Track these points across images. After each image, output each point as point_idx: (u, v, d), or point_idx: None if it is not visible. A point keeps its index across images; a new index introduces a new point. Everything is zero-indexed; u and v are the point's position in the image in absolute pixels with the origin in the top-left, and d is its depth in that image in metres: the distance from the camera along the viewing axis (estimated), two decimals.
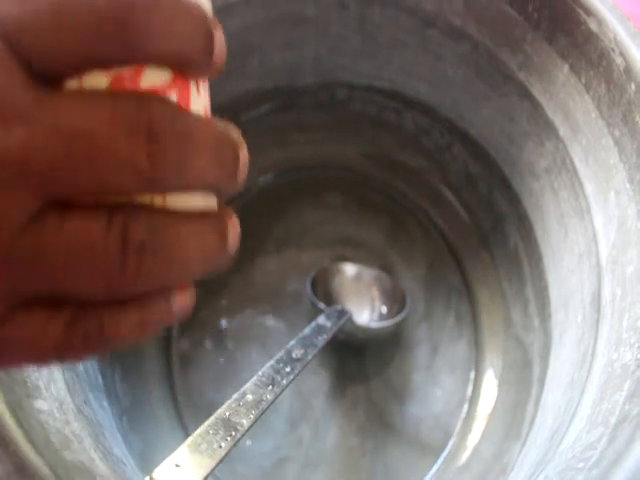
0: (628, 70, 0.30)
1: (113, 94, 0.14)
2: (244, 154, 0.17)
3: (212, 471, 0.22)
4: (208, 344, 0.44)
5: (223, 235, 0.17)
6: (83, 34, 0.13)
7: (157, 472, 0.21)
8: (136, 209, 0.15)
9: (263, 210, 0.48)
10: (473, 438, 0.41)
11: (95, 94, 0.14)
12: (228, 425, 0.24)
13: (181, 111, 0.15)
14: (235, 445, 0.23)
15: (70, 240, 0.14)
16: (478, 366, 0.44)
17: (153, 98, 0.14)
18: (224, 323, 0.44)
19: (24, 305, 0.14)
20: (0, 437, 0.21)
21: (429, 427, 0.42)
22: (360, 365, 0.44)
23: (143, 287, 0.15)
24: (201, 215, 0.16)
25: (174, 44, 0.15)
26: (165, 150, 0.14)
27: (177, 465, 0.22)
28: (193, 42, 0.15)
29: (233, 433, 0.24)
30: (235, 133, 0.17)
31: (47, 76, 0.13)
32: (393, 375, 0.43)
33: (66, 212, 0.14)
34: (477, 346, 0.44)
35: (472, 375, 0.43)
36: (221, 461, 0.22)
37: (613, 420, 0.25)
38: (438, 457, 0.41)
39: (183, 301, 0.17)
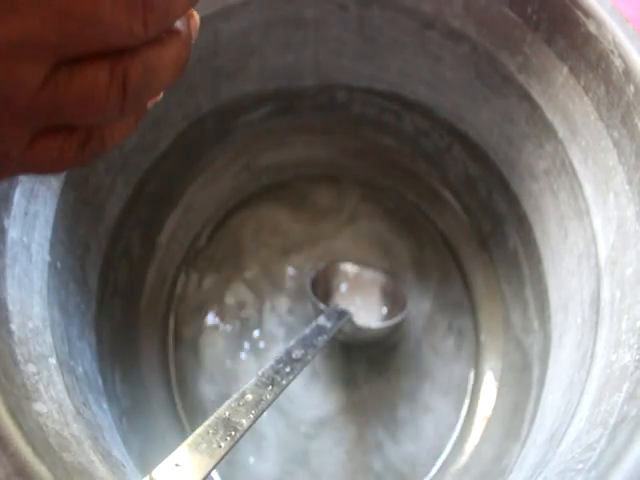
0: (627, 72, 0.30)
1: None
2: None
3: (212, 470, 0.22)
4: (207, 346, 0.44)
5: (189, 43, 0.20)
6: None
7: (157, 472, 0.21)
8: (130, 52, 0.18)
9: (262, 211, 0.48)
10: (473, 440, 0.41)
11: None
12: (228, 425, 0.24)
13: None
14: (235, 445, 0.23)
15: (79, 88, 0.17)
16: (477, 368, 0.44)
17: None
18: (223, 326, 0.45)
19: (44, 132, 0.18)
20: (1, 440, 0.21)
21: (428, 428, 0.42)
22: (361, 364, 0.44)
23: (135, 111, 0.20)
24: (173, 33, 0.19)
25: None
26: (155, 16, 0.17)
27: (177, 465, 0.22)
28: None
29: (233, 433, 0.24)
30: None
31: None
32: (392, 375, 0.44)
33: (74, 66, 0.17)
34: (477, 347, 0.44)
35: (472, 376, 0.43)
36: (220, 460, 0.22)
37: (612, 421, 0.25)
38: (437, 459, 0.41)
39: (155, 101, 0.23)
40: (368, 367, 0.44)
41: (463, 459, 0.41)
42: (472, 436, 0.42)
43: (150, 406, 0.40)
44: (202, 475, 0.22)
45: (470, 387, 0.43)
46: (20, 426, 0.22)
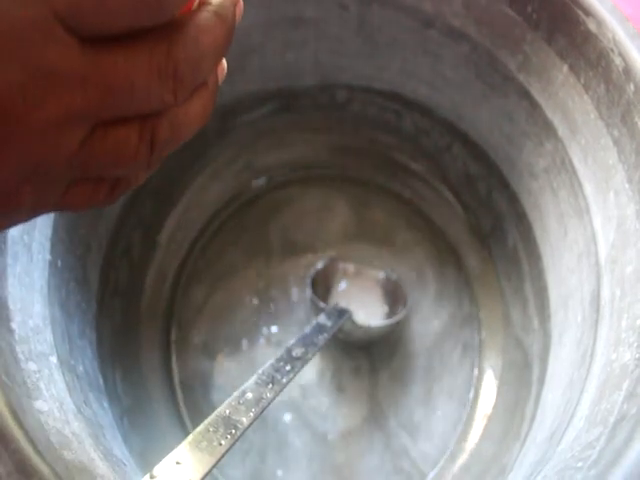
0: (627, 70, 0.30)
1: (149, 47, 0.18)
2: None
3: (212, 468, 0.22)
4: (208, 345, 0.44)
5: (215, 93, 0.21)
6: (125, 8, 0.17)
7: (157, 469, 0.21)
8: (158, 116, 0.19)
9: (262, 210, 0.48)
10: (473, 438, 0.41)
11: (135, 48, 0.17)
12: (228, 423, 0.24)
13: (197, 46, 0.19)
14: (235, 443, 0.23)
15: (113, 145, 0.18)
16: (479, 366, 0.44)
17: (178, 45, 0.18)
18: (223, 324, 0.45)
19: (76, 182, 0.20)
20: (1, 436, 0.21)
21: (429, 427, 0.42)
22: (360, 363, 0.44)
23: (160, 160, 0.21)
24: (201, 85, 0.20)
25: None
26: (184, 85, 0.18)
27: (178, 462, 0.22)
28: None
29: (233, 431, 0.24)
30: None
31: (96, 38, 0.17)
32: (393, 374, 0.44)
33: (108, 127, 0.18)
34: (477, 346, 0.44)
35: (472, 375, 0.44)
36: (221, 458, 0.23)
37: (612, 419, 0.25)
38: (439, 458, 0.41)
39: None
40: (372, 367, 0.44)
41: (464, 457, 0.41)
42: (473, 435, 0.42)
43: (151, 405, 0.40)
44: (203, 473, 0.22)
45: (472, 386, 0.43)
46: (21, 424, 0.22)
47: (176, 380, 0.42)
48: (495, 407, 0.42)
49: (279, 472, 0.41)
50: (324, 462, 0.41)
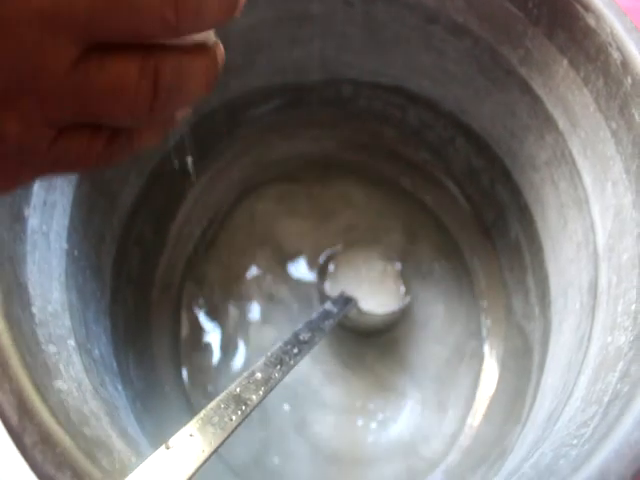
0: (625, 64, 0.31)
1: None
2: None
3: (224, 442, 0.23)
4: (218, 333, 0.45)
5: (218, 62, 0.21)
6: None
7: (172, 441, 0.23)
8: (162, 52, 0.18)
9: (270, 202, 0.49)
10: (476, 422, 0.42)
11: None
12: (239, 400, 0.25)
13: None
14: (245, 419, 0.25)
15: (110, 78, 0.17)
16: (481, 354, 0.45)
17: None
18: (234, 313, 0.46)
19: (71, 128, 0.18)
20: (26, 411, 0.22)
21: (432, 412, 0.43)
22: (366, 351, 0.45)
23: (162, 114, 0.19)
24: (203, 47, 0.20)
25: None
26: (187, 5, 0.17)
27: (191, 435, 0.23)
28: None
29: (243, 407, 0.25)
30: None
31: None
32: (397, 361, 0.45)
33: (105, 54, 0.17)
34: (480, 334, 0.45)
35: (475, 362, 0.45)
36: (232, 433, 0.24)
37: (606, 399, 0.26)
38: (441, 442, 0.42)
39: (185, 113, 0.23)
40: (377, 354, 0.45)
41: (466, 441, 0.42)
42: (475, 419, 0.43)
43: (163, 391, 0.41)
44: (214, 445, 0.23)
45: (474, 373, 0.44)
46: (44, 399, 0.23)
47: (185, 367, 0.44)
48: (497, 392, 0.43)
49: (277, 459, 0.42)
50: (326, 447, 0.42)
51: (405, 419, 0.43)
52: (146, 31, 0.17)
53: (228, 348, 0.45)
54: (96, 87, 0.17)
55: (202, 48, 0.20)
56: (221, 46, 0.21)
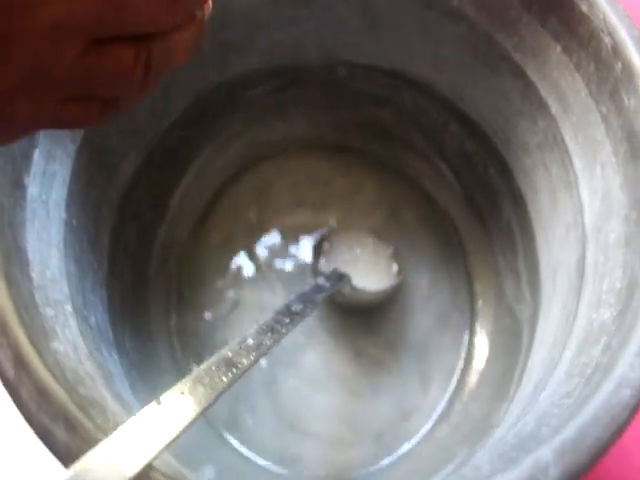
0: (615, 49, 0.32)
1: None
2: None
3: (214, 402, 0.24)
4: (213, 308, 0.46)
5: (204, 25, 0.23)
6: None
7: (163, 397, 0.23)
8: (152, 39, 0.21)
9: (266, 181, 0.50)
10: (464, 400, 0.43)
11: None
12: (230, 363, 0.26)
13: None
14: (235, 381, 0.25)
15: (110, 65, 0.20)
16: (471, 334, 0.46)
17: None
18: (230, 287, 0.47)
19: (71, 99, 0.21)
20: (23, 365, 0.23)
21: (422, 389, 0.44)
22: (357, 327, 0.46)
23: (152, 85, 0.22)
24: (192, 18, 0.22)
25: None
26: (182, 7, 0.20)
27: (182, 393, 0.24)
28: None
29: (234, 370, 0.26)
30: None
31: None
32: (388, 338, 0.46)
33: (106, 45, 0.19)
34: (471, 316, 0.46)
35: (465, 342, 0.45)
36: (222, 393, 0.24)
37: (589, 371, 0.27)
38: (430, 418, 0.43)
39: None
40: (368, 331, 0.46)
41: (455, 417, 0.43)
42: (464, 397, 0.44)
43: (159, 364, 0.42)
44: (204, 404, 0.24)
45: (464, 352, 0.45)
46: (41, 355, 0.24)
47: (181, 343, 0.44)
48: (485, 371, 0.43)
49: (251, 419, 0.43)
50: (312, 412, 0.43)
51: (393, 395, 0.44)
52: (144, 30, 0.20)
53: (224, 323, 0.45)
54: (98, 72, 0.20)
55: (189, 20, 0.22)
56: (209, 2, 0.23)
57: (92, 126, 0.23)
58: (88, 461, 0.20)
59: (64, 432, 0.22)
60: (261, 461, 0.42)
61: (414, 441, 0.43)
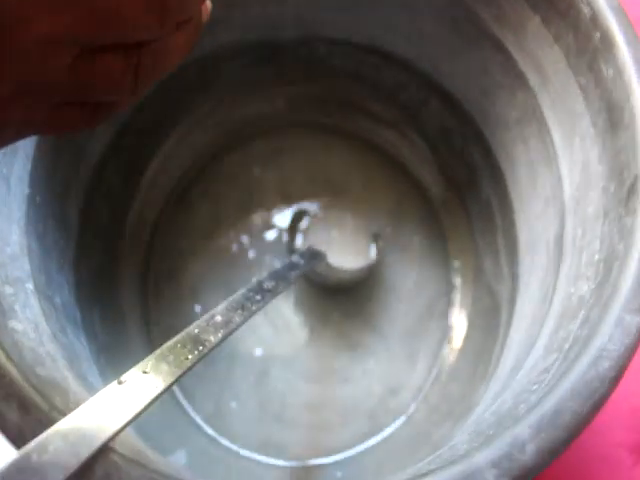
0: (594, 19, 0.31)
1: None
2: None
3: (177, 379, 0.23)
4: (187, 288, 0.45)
5: (199, 29, 0.23)
6: None
7: (125, 376, 0.22)
8: (142, 45, 0.20)
9: (241, 160, 0.49)
10: (444, 379, 0.43)
11: None
12: (196, 341, 0.25)
13: None
14: (202, 359, 0.24)
15: (100, 74, 0.20)
16: (450, 313, 0.45)
17: None
18: (202, 268, 0.46)
19: (61, 105, 0.21)
20: None
21: (400, 369, 0.44)
22: (335, 307, 0.45)
23: (146, 87, 0.22)
24: (185, 22, 0.21)
25: None
26: (170, 16, 0.20)
27: (145, 372, 0.23)
28: None
29: (200, 347, 0.25)
30: None
31: None
32: (366, 318, 0.45)
33: (96, 53, 0.19)
34: (449, 294, 0.46)
35: (444, 321, 0.45)
36: (187, 371, 0.24)
37: (567, 346, 0.26)
38: (410, 399, 0.43)
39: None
40: (346, 311, 0.46)
41: (434, 397, 0.42)
42: (443, 375, 0.43)
43: (129, 347, 0.41)
44: (168, 382, 0.23)
45: (443, 331, 0.45)
46: None
47: (154, 325, 0.43)
48: (464, 350, 0.43)
49: (236, 404, 0.42)
50: (295, 398, 0.42)
51: (372, 376, 0.43)
52: (132, 39, 0.20)
53: (198, 305, 0.44)
54: (89, 81, 0.20)
55: (182, 23, 0.21)
56: (208, 2, 0.23)
57: (83, 129, 0.23)
58: (40, 442, 0.19)
59: (16, 413, 0.21)
60: (243, 451, 0.42)
61: (398, 422, 0.42)
